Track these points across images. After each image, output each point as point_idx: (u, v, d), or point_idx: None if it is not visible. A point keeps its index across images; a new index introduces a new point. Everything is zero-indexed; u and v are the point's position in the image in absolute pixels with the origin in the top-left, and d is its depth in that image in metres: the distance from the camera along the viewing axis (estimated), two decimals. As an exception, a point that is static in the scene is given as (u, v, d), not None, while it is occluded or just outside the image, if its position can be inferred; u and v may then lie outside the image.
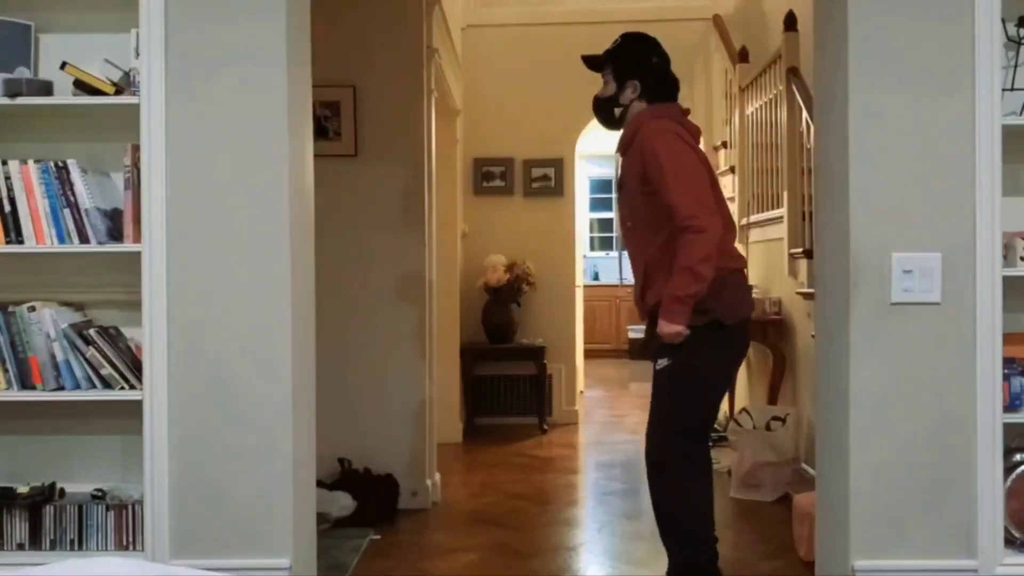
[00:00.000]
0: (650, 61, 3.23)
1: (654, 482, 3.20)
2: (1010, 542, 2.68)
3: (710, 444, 3.29)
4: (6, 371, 2.73)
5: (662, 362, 3.10)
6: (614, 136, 3.41)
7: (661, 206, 3.03)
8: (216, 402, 2.68)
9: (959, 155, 2.62)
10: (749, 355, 6.37)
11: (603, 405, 8.40)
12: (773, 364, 5.55)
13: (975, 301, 2.62)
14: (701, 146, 3.34)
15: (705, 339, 3.04)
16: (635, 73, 3.20)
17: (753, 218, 6.38)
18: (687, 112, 3.26)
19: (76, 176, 2.68)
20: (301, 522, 2.77)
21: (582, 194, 10.50)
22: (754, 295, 5.89)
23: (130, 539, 2.76)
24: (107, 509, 2.77)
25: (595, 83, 8.01)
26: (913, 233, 2.64)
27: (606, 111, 3.29)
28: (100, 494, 2.81)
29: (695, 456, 3.15)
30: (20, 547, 2.76)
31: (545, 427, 7.03)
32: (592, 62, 3.32)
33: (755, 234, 6.38)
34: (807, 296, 4.99)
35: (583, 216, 11.17)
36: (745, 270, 3.26)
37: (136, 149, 2.67)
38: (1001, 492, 2.64)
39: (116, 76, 2.74)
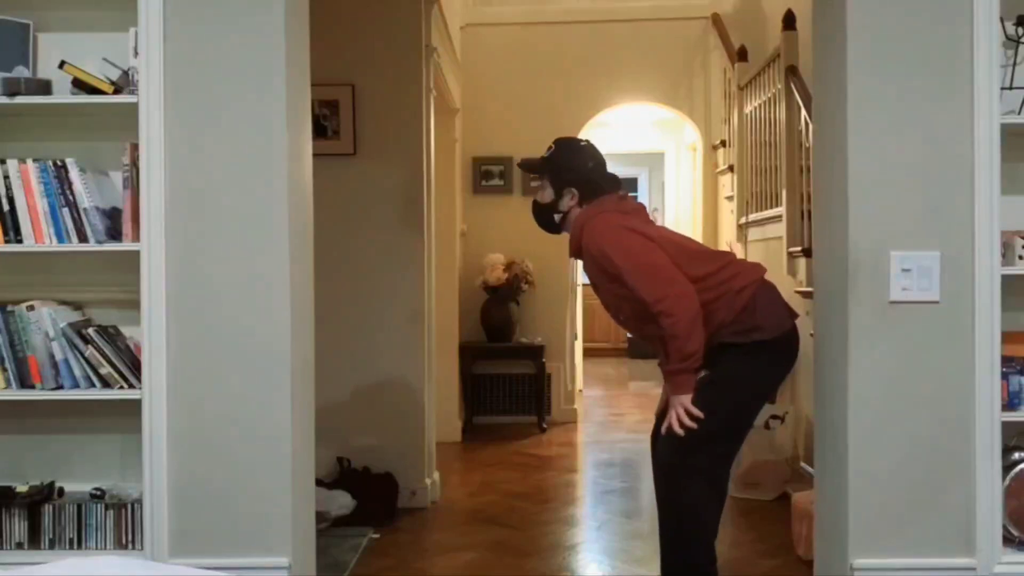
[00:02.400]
0: (586, 167, 3.16)
1: (666, 487, 3.05)
2: (1008, 540, 2.68)
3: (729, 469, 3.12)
4: (5, 370, 2.73)
5: (701, 372, 2.98)
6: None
7: None
8: (215, 401, 2.68)
9: (958, 154, 2.62)
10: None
11: (602, 404, 8.40)
12: (772, 363, 5.54)
13: (974, 300, 2.62)
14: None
15: (749, 357, 2.96)
16: (572, 181, 3.14)
17: (752, 217, 6.37)
18: (624, 196, 3.19)
19: (75, 175, 2.68)
20: (300, 521, 2.77)
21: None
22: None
23: (129, 538, 2.76)
24: (106, 508, 2.77)
25: (594, 83, 7.99)
26: (912, 232, 2.64)
27: (546, 218, 3.24)
28: (99, 493, 2.81)
29: (714, 473, 3.00)
30: (19, 546, 2.76)
31: (544, 426, 7.03)
32: (530, 166, 3.28)
33: (754, 233, 6.38)
34: (806, 295, 4.99)
35: (582, 215, 11.17)
36: (764, 276, 3.07)
37: (135, 148, 2.67)
38: (1000, 491, 2.64)
39: (115, 75, 2.74)
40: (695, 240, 3.30)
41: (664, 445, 3.02)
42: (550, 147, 3.25)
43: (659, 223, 3.77)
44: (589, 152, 3.23)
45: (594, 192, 3.13)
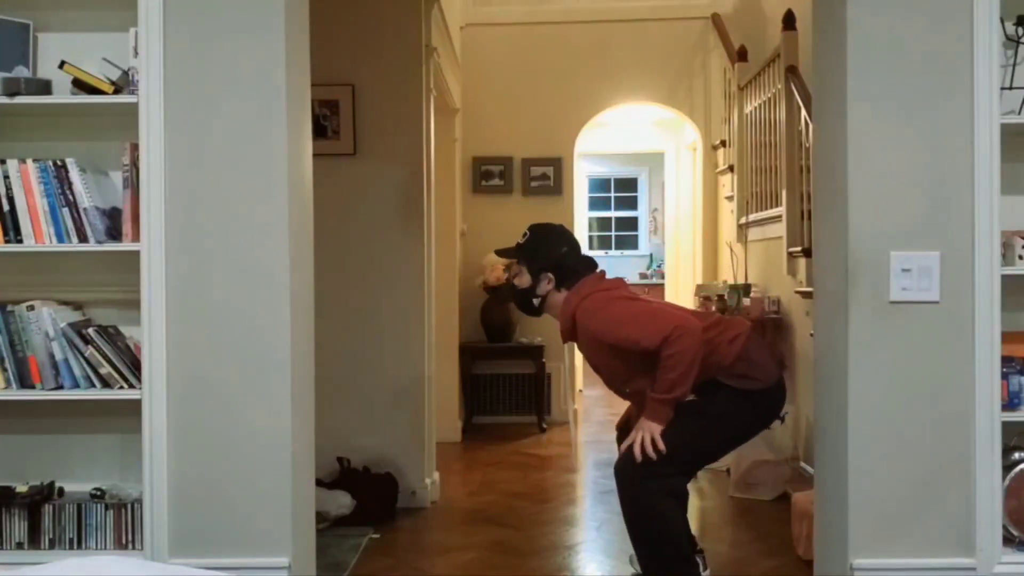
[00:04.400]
0: (560, 252, 3.29)
1: (630, 495, 3.10)
2: (1008, 540, 2.68)
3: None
4: (5, 370, 2.73)
5: (691, 396, 3.08)
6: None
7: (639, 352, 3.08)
8: (215, 401, 2.68)
9: (958, 154, 2.62)
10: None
11: (602, 404, 8.40)
12: (772, 363, 5.54)
13: (974, 300, 2.62)
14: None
15: (740, 401, 3.10)
16: (547, 267, 3.27)
17: (752, 217, 6.38)
18: (602, 275, 3.34)
19: (75, 175, 2.68)
20: (300, 521, 2.77)
21: (581, 193, 10.50)
22: (753, 294, 5.91)
23: (129, 538, 2.76)
24: (106, 508, 2.77)
25: (594, 83, 7.99)
26: (911, 232, 2.64)
27: (525, 302, 3.35)
28: (99, 493, 2.81)
29: (677, 484, 3.10)
30: (19, 546, 2.76)
31: (544, 426, 7.03)
32: (505, 253, 3.41)
33: (754, 233, 6.38)
34: (806, 295, 4.99)
35: (582, 215, 11.18)
36: (750, 329, 3.24)
37: (135, 148, 2.67)
38: (1000, 490, 2.64)
39: (115, 75, 2.74)
40: (678, 305, 3.49)
41: (625, 457, 3.08)
42: (525, 233, 3.38)
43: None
44: (563, 237, 3.36)
45: (570, 276, 3.26)
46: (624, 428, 3.42)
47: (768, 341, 5.54)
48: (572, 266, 3.29)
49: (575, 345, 3.33)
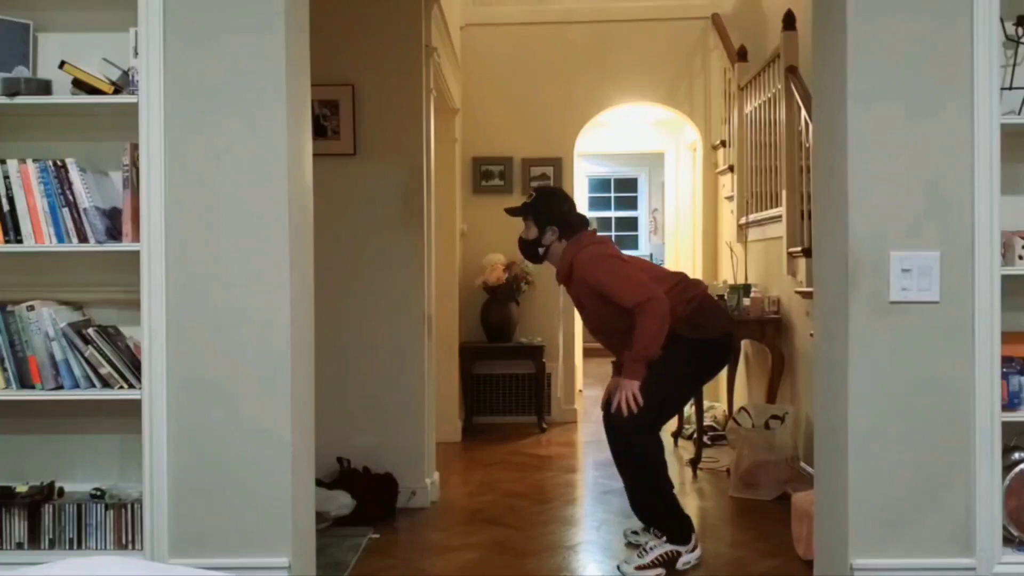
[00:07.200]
0: (563, 209, 4.01)
1: (621, 445, 3.86)
2: (1008, 540, 2.68)
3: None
4: (5, 370, 2.73)
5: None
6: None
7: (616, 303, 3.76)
8: (215, 401, 2.67)
9: (957, 154, 2.62)
10: (748, 354, 6.37)
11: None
12: (772, 363, 5.56)
13: (974, 300, 2.62)
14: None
15: (695, 350, 3.84)
16: (552, 220, 3.97)
17: (752, 217, 6.37)
18: (595, 231, 4.08)
19: (75, 175, 2.68)
20: (300, 521, 2.77)
21: (581, 193, 10.51)
22: (753, 294, 5.91)
23: (129, 538, 2.76)
24: (106, 508, 2.77)
25: (594, 83, 8.00)
26: (911, 232, 2.64)
27: (531, 251, 4.04)
28: (99, 493, 2.81)
29: (654, 436, 3.89)
30: (19, 546, 2.76)
31: (544, 426, 7.03)
32: (515, 211, 4.06)
33: (754, 233, 6.38)
34: (806, 295, 4.99)
35: (582, 215, 11.20)
36: (707, 290, 4.04)
37: (135, 148, 2.67)
38: (999, 491, 2.64)
39: (115, 75, 2.74)
40: (653, 266, 4.37)
41: (615, 413, 3.77)
42: (531, 194, 4.13)
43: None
44: (563, 196, 4.15)
45: (570, 228, 3.96)
46: (608, 405, 3.98)
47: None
48: (572, 221, 3.98)
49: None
